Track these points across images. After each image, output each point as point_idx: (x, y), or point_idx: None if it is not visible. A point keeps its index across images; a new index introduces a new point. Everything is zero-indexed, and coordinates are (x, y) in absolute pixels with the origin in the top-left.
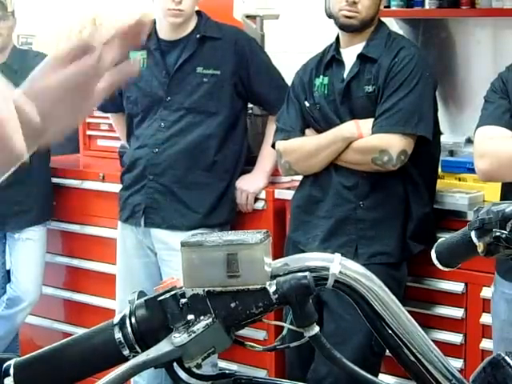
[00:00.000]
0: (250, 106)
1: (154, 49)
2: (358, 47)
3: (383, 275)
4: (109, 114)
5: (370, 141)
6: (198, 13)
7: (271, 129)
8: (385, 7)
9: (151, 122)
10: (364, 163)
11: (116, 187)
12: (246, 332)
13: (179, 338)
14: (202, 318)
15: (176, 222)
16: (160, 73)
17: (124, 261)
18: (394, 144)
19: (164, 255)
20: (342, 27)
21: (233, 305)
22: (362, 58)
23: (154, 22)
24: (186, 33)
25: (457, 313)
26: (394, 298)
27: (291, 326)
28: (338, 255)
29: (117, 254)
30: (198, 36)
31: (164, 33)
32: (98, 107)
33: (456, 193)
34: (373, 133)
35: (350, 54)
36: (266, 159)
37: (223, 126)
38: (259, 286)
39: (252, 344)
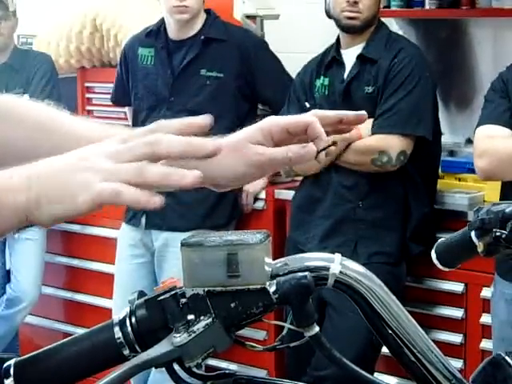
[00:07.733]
0: None
1: (162, 47)
2: (359, 48)
3: (383, 273)
4: (126, 108)
5: (369, 142)
6: (208, 12)
7: None
8: (385, 7)
9: (154, 122)
10: (363, 164)
11: None
12: (246, 332)
13: (179, 337)
14: (202, 317)
15: (176, 224)
16: (165, 72)
17: (121, 262)
18: (394, 145)
19: (163, 252)
20: (345, 29)
21: (233, 305)
22: (361, 58)
23: (163, 21)
24: (193, 33)
25: (457, 313)
26: (394, 298)
27: (291, 326)
28: (338, 255)
29: (116, 254)
30: (202, 37)
31: (172, 32)
32: (111, 100)
33: (456, 193)
34: (372, 133)
35: (350, 55)
36: None
37: (227, 129)
38: (259, 286)
39: (252, 344)
